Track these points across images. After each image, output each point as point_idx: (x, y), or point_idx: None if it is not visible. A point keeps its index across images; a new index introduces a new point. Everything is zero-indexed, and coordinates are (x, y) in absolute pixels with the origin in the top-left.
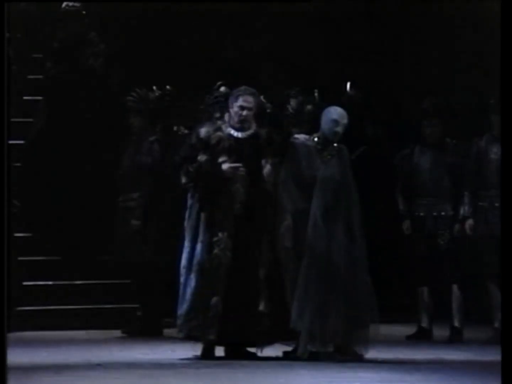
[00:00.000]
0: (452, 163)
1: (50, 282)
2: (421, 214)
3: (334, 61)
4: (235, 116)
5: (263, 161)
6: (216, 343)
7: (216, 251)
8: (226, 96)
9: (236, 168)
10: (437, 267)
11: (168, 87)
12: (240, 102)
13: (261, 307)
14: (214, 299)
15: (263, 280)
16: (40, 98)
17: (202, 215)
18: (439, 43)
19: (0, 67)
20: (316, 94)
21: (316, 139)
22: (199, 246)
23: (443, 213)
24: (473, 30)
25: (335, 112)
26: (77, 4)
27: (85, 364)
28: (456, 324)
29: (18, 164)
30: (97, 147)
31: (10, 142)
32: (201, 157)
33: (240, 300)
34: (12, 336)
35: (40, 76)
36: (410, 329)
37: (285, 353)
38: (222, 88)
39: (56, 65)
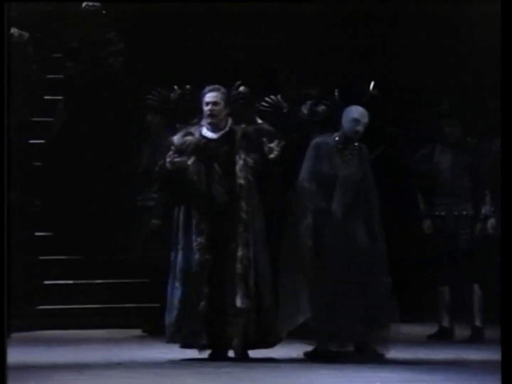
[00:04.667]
0: (473, 162)
1: (70, 281)
2: (442, 213)
3: (352, 61)
4: (204, 113)
5: (236, 157)
6: (209, 346)
7: (196, 256)
8: (246, 96)
9: (183, 161)
10: (458, 266)
11: (188, 86)
12: (205, 99)
13: (238, 303)
14: (201, 304)
15: (240, 276)
16: (60, 97)
17: (180, 220)
18: (457, 42)
19: (0, 67)
20: (336, 94)
21: (336, 138)
22: (180, 254)
23: (464, 213)
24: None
25: (356, 111)
26: (97, 3)
27: (105, 363)
28: (478, 323)
29: (38, 164)
30: (117, 146)
31: (31, 141)
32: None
33: (223, 299)
34: (32, 335)
35: (60, 76)
36: (431, 329)
37: (305, 353)
38: (242, 88)
39: (76, 64)
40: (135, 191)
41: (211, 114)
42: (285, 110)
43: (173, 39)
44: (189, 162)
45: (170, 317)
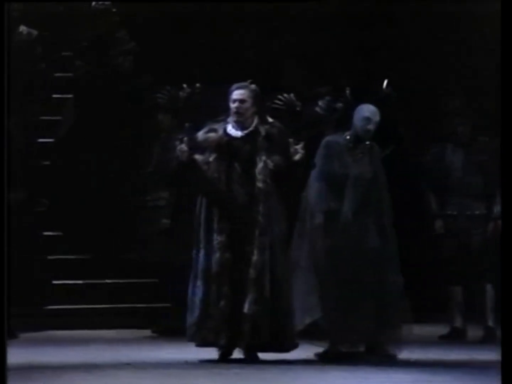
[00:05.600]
0: (485, 162)
1: (79, 281)
2: (454, 213)
3: (362, 60)
4: (231, 111)
5: (257, 159)
6: (228, 347)
7: (217, 255)
8: (257, 94)
9: (187, 151)
10: (471, 266)
11: (198, 85)
12: (232, 96)
13: (245, 308)
14: (222, 303)
15: (252, 281)
16: (68, 96)
17: (201, 219)
18: (469, 41)
19: (0, 67)
20: (347, 92)
21: (347, 137)
22: (201, 252)
23: (476, 212)
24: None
25: (367, 110)
26: (106, 2)
27: (115, 363)
28: (490, 324)
29: (47, 163)
30: (126, 145)
31: (39, 140)
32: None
33: (240, 300)
34: (41, 335)
35: (69, 75)
36: (443, 329)
37: (316, 354)
38: (253, 86)
39: (85, 63)
40: (145, 190)
41: (238, 112)
42: (298, 108)
43: (183, 38)
44: (210, 159)
45: (192, 317)
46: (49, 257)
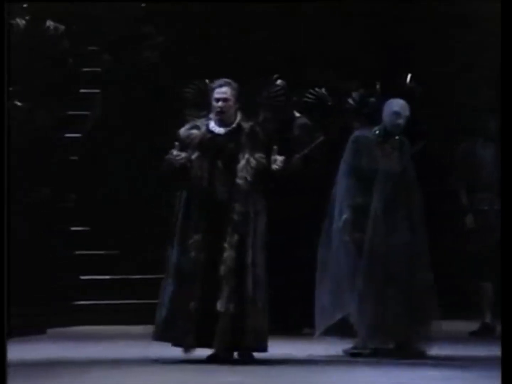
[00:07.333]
0: None
1: (107, 277)
2: (485, 208)
3: (389, 56)
4: (213, 109)
5: (240, 156)
6: (195, 347)
7: (192, 254)
8: (284, 89)
9: (185, 157)
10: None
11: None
12: (215, 94)
13: (218, 306)
14: (192, 304)
15: (223, 278)
16: (96, 91)
17: (179, 216)
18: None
19: (0, 67)
20: (378, 87)
21: (377, 132)
22: (175, 250)
23: None
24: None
25: (397, 104)
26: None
27: (142, 359)
28: None
29: (75, 158)
30: (154, 139)
31: (67, 135)
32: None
33: (211, 300)
34: (68, 330)
35: (97, 69)
36: (473, 325)
37: (344, 350)
38: (279, 81)
39: (112, 58)
40: (172, 185)
41: (221, 111)
42: (329, 103)
43: (210, 32)
44: (193, 156)
45: (160, 315)
46: (77, 252)
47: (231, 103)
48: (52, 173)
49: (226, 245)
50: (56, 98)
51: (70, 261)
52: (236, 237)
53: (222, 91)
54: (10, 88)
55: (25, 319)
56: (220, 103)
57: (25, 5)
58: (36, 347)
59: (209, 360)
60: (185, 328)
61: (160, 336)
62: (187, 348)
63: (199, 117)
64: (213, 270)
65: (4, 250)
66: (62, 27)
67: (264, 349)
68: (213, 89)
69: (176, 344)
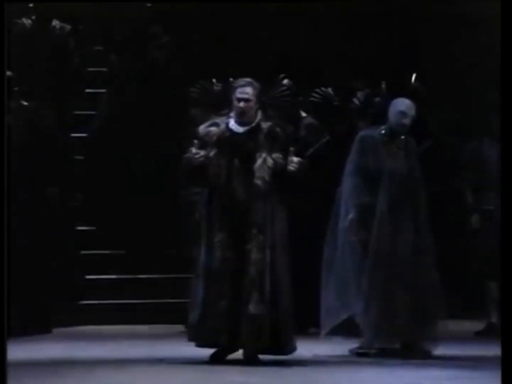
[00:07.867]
0: None
1: (113, 276)
2: (490, 207)
3: (396, 56)
4: (235, 110)
5: (257, 155)
6: (229, 348)
7: (218, 253)
8: (290, 89)
9: (204, 156)
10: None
11: (231, 79)
12: (237, 94)
13: (252, 309)
14: (223, 303)
15: (254, 280)
16: (102, 90)
17: (203, 215)
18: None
19: (0, 66)
20: (383, 86)
21: (383, 131)
22: (202, 250)
23: None
24: None
25: (402, 104)
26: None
27: (148, 359)
28: None
29: (81, 157)
30: (160, 139)
31: (73, 135)
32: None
33: (241, 300)
34: (74, 330)
35: (103, 69)
36: (479, 325)
37: (350, 350)
38: (286, 81)
39: (119, 57)
40: (179, 184)
41: (243, 112)
42: (335, 103)
43: (218, 32)
44: (211, 154)
45: (193, 316)
46: (83, 252)
47: (252, 103)
48: (59, 173)
49: (253, 247)
50: (62, 98)
51: (76, 261)
52: (261, 238)
53: (245, 91)
54: (16, 88)
55: (30, 318)
56: (242, 104)
57: (31, 5)
58: (42, 347)
59: (213, 360)
60: (217, 328)
61: (195, 337)
62: (220, 348)
63: (220, 114)
64: (240, 269)
65: (4, 250)
66: (68, 27)
67: (293, 350)
68: (235, 89)
69: (209, 345)
